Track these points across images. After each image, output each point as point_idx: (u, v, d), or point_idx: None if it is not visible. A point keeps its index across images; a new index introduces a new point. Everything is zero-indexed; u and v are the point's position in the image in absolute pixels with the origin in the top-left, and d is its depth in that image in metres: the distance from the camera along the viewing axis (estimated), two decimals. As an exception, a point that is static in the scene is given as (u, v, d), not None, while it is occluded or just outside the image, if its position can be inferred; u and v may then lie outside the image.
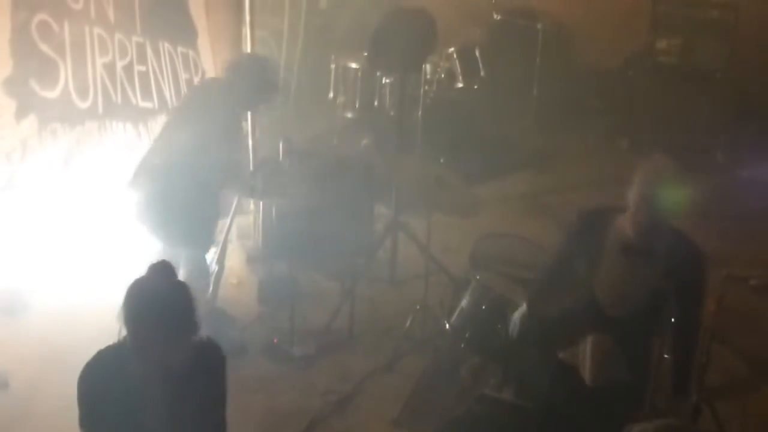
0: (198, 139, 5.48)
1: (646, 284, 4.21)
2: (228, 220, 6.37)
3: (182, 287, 3.41)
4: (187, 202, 5.48)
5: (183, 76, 7.10)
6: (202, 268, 5.95)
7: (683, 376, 4.37)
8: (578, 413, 4.34)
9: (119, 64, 6.61)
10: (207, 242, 5.88)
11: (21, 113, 5.95)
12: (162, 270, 3.40)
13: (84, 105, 6.41)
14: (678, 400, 4.32)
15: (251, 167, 5.94)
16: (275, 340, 6.08)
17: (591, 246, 4.30)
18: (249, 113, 6.36)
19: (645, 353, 4.45)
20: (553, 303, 4.58)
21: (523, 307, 4.73)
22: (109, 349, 3.48)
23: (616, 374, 4.32)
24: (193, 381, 3.46)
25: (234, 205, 6.42)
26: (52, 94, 6.21)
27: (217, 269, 6.23)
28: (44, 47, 6.10)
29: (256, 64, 5.92)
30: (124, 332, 3.40)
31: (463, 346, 5.55)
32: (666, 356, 4.80)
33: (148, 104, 6.83)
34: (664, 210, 4.09)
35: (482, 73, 9.06)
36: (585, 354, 4.37)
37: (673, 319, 4.42)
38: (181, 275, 5.68)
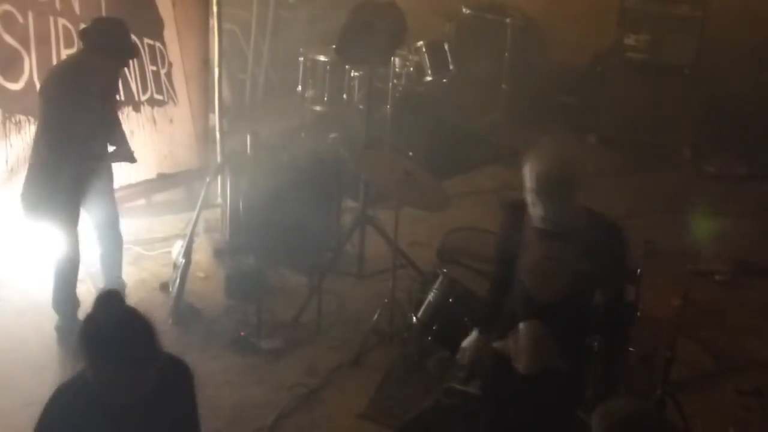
0: (62, 111, 5.50)
1: (565, 268, 4.19)
2: (195, 214, 6.34)
3: (136, 314, 3.28)
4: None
5: (150, 67, 7.06)
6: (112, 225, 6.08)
7: (613, 360, 4.36)
8: (518, 404, 4.32)
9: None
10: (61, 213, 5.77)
11: (-16, 105, 5.93)
12: (111, 301, 3.26)
13: (49, 97, 6.37)
14: (606, 388, 4.32)
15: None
16: (242, 334, 6.05)
17: (515, 235, 4.30)
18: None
19: (579, 339, 4.38)
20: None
21: (473, 335, 4.60)
22: (71, 383, 3.33)
23: (550, 361, 4.28)
24: (163, 402, 3.36)
25: (201, 199, 6.39)
26: (17, 86, 6.18)
27: (183, 263, 6.20)
28: (8, 38, 6.06)
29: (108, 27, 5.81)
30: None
31: (430, 339, 5.56)
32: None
33: (114, 96, 6.79)
34: (561, 196, 4.03)
35: (451, 67, 9.07)
36: (517, 343, 4.33)
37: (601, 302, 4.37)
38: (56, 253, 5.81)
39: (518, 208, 4.25)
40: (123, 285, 6.26)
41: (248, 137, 6.89)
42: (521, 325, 4.27)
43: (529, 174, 4.03)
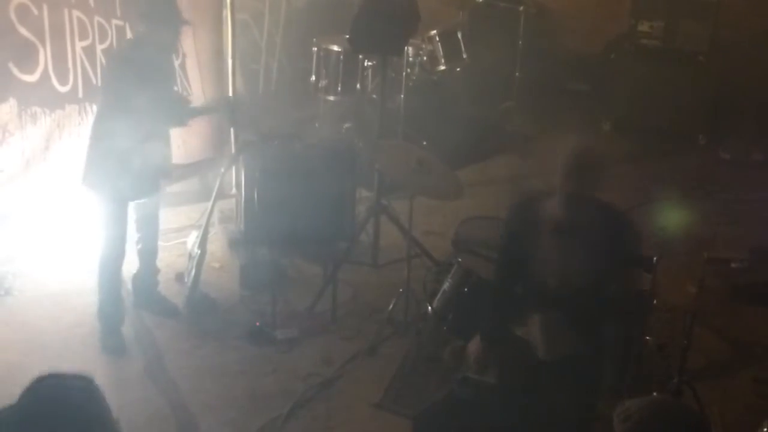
0: (130, 90, 5.46)
1: (581, 262, 4.25)
2: (209, 204, 6.35)
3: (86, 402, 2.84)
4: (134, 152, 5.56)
5: (163, 59, 7.06)
6: (153, 216, 6.13)
7: (621, 355, 4.42)
8: (535, 386, 4.37)
9: (99, 48, 6.59)
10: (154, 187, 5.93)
11: (0, 97, 5.93)
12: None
13: (64, 89, 6.40)
14: (619, 375, 4.39)
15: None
16: (257, 324, 6.06)
17: (527, 233, 4.39)
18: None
19: (594, 328, 4.42)
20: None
21: (476, 340, 4.70)
22: None
23: (566, 350, 4.34)
24: None
25: (215, 190, 6.39)
26: (32, 77, 6.20)
27: (199, 253, 6.21)
28: (23, 30, 6.07)
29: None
30: None
31: (445, 329, 5.55)
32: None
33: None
34: (589, 183, 4.22)
35: (465, 56, 9.04)
36: (535, 332, 4.45)
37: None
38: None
39: (528, 206, 4.33)
40: (157, 271, 6.31)
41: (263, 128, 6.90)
42: (536, 318, 4.32)
43: (564, 155, 4.22)
